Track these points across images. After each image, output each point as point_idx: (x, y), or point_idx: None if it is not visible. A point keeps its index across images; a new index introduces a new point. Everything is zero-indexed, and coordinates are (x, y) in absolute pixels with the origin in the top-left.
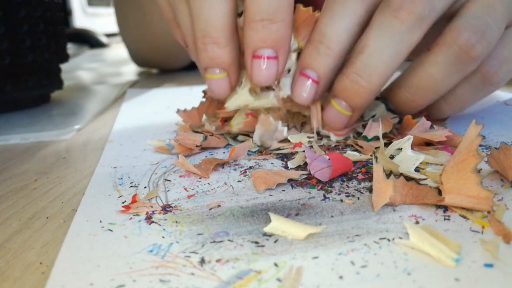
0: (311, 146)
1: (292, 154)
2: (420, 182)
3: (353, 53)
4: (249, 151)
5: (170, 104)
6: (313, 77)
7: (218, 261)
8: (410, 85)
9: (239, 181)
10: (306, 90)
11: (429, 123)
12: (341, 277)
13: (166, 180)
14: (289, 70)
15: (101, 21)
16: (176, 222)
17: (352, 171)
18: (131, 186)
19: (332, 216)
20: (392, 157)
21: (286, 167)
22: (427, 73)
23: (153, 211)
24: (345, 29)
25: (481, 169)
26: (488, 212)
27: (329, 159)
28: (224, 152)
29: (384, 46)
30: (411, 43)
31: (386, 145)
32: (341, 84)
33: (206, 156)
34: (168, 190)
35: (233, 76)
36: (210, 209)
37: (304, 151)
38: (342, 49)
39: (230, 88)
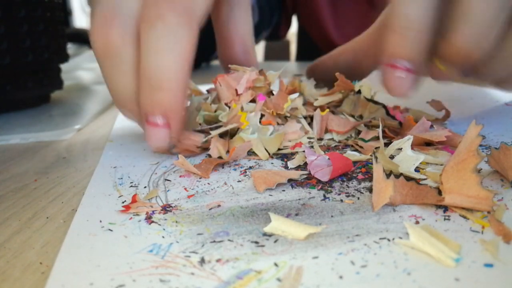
0: (312, 146)
1: (292, 154)
2: (420, 182)
3: (456, 17)
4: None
5: None
6: (407, 67)
7: (218, 261)
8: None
9: (239, 181)
10: (403, 82)
11: (429, 123)
12: (341, 277)
13: (166, 180)
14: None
15: None
16: (176, 222)
17: (352, 171)
18: (131, 186)
19: (332, 216)
20: (392, 157)
21: (286, 167)
22: None
23: (153, 211)
24: (430, 8)
25: (481, 169)
26: (488, 212)
27: (329, 159)
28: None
29: (490, 7)
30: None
31: (386, 145)
32: (447, 50)
33: (206, 156)
34: (168, 190)
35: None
36: (210, 209)
37: (304, 151)
38: (430, 27)
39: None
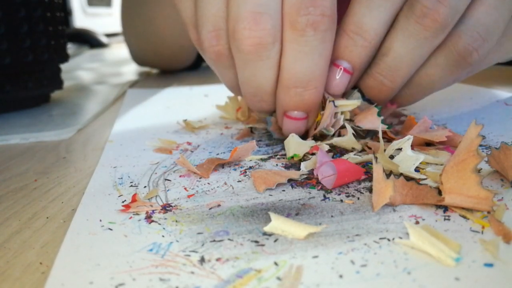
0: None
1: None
2: (420, 182)
3: (378, 55)
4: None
5: (170, 104)
6: (347, 68)
7: (218, 260)
8: (409, 82)
9: (239, 181)
10: (339, 81)
11: (429, 122)
12: (341, 276)
13: (166, 179)
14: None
15: (101, 21)
16: (176, 221)
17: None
18: (131, 186)
19: (332, 216)
20: (392, 157)
21: (287, 167)
22: (427, 73)
23: (153, 210)
24: (384, 21)
25: (481, 169)
26: (488, 212)
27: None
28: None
29: (408, 50)
30: (433, 46)
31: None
32: (365, 83)
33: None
34: (168, 190)
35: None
36: (210, 208)
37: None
38: (378, 41)
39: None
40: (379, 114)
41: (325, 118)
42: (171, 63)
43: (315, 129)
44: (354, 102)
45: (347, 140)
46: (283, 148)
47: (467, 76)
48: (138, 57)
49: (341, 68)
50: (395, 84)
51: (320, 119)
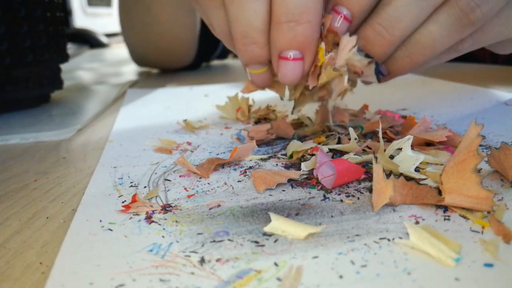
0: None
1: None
2: (420, 182)
3: (380, 4)
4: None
5: (170, 104)
6: (346, 15)
7: (218, 260)
8: (409, 41)
9: (239, 181)
10: (338, 28)
11: (430, 122)
12: (341, 277)
13: (166, 180)
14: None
15: (101, 21)
16: (176, 221)
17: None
18: (131, 186)
19: (332, 216)
20: (392, 157)
21: (287, 167)
22: (428, 30)
23: (153, 211)
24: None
25: (481, 169)
26: (488, 212)
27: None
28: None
29: (410, 2)
30: (436, 2)
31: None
32: (363, 33)
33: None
34: (168, 190)
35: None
36: (210, 208)
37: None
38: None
39: (271, 79)
40: (376, 69)
41: (341, 50)
42: (172, 62)
43: (319, 75)
44: (362, 58)
45: (350, 145)
46: (283, 148)
47: (472, 48)
48: (138, 57)
49: (341, 16)
50: (394, 38)
51: (323, 63)
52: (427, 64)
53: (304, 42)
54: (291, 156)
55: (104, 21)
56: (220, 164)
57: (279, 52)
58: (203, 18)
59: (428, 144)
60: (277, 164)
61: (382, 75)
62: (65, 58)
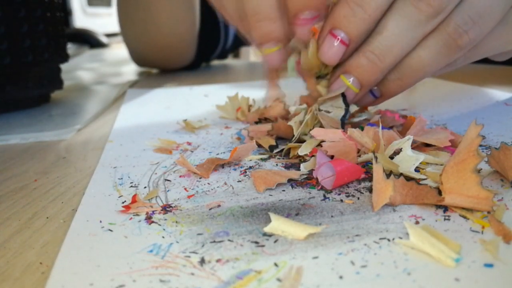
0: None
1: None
2: (420, 182)
3: (372, 34)
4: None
5: (170, 104)
6: (343, 39)
7: (218, 261)
8: (400, 65)
9: (239, 181)
10: (334, 51)
11: (425, 120)
12: (341, 277)
13: (166, 180)
14: None
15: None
16: (176, 222)
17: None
18: (131, 186)
19: (332, 216)
20: (392, 157)
21: (287, 167)
22: (418, 54)
23: (153, 211)
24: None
25: (481, 169)
26: (488, 212)
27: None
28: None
29: (401, 31)
30: (426, 31)
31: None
32: (355, 61)
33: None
34: (168, 190)
35: (286, 48)
36: (210, 209)
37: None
38: (377, 16)
39: (284, 59)
40: (345, 101)
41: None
42: (172, 62)
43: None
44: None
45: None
46: (283, 148)
47: (465, 63)
48: (138, 57)
49: (338, 38)
50: (385, 64)
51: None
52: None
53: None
54: (288, 153)
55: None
56: (220, 164)
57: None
58: (214, 3)
59: (428, 144)
60: (277, 164)
61: (374, 97)
62: (65, 58)
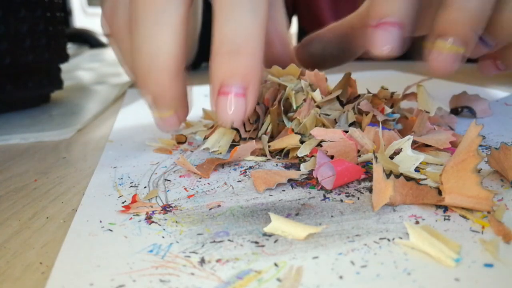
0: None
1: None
2: (420, 182)
3: None
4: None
5: None
6: (397, 22)
7: (218, 261)
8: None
9: (239, 181)
10: (393, 39)
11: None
12: (341, 277)
13: (166, 180)
14: None
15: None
16: (176, 222)
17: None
18: (131, 186)
19: (332, 216)
20: (392, 157)
21: (287, 167)
22: None
23: (153, 211)
24: None
25: (481, 169)
26: (488, 212)
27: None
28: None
29: None
30: None
31: None
32: (448, 18)
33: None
34: (168, 190)
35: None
36: (210, 209)
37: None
38: None
39: (178, 124)
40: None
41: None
42: None
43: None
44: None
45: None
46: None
47: None
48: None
49: (391, 25)
50: (481, 10)
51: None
52: None
53: (246, 75)
54: (287, 153)
55: None
56: (220, 164)
57: (219, 86)
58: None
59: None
60: (277, 164)
61: (488, 46)
62: (65, 58)
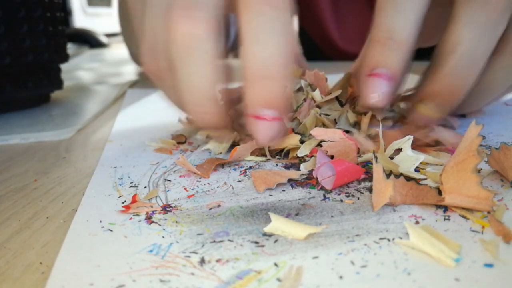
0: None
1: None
2: (420, 182)
3: (441, 54)
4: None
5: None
6: (387, 75)
7: (218, 261)
8: (476, 88)
9: (239, 181)
10: (381, 91)
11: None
12: (341, 277)
13: (166, 180)
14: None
15: (101, 21)
16: (176, 222)
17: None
18: (131, 186)
19: (332, 216)
20: (392, 157)
21: (287, 167)
22: (495, 77)
23: (153, 211)
24: (414, 20)
25: (481, 169)
26: (488, 212)
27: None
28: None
29: (477, 41)
30: (499, 35)
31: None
32: (432, 88)
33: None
34: (168, 190)
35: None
36: (210, 209)
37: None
38: (412, 42)
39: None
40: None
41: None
42: None
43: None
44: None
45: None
46: (283, 148)
47: None
48: (138, 58)
49: (381, 77)
50: (468, 84)
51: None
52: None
53: (278, 99)
54: (287, 153)
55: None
56: (220, 164)
57: (254, 111)
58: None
59: (428, 144)
60: (277, 164)
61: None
62: (65, 58)
